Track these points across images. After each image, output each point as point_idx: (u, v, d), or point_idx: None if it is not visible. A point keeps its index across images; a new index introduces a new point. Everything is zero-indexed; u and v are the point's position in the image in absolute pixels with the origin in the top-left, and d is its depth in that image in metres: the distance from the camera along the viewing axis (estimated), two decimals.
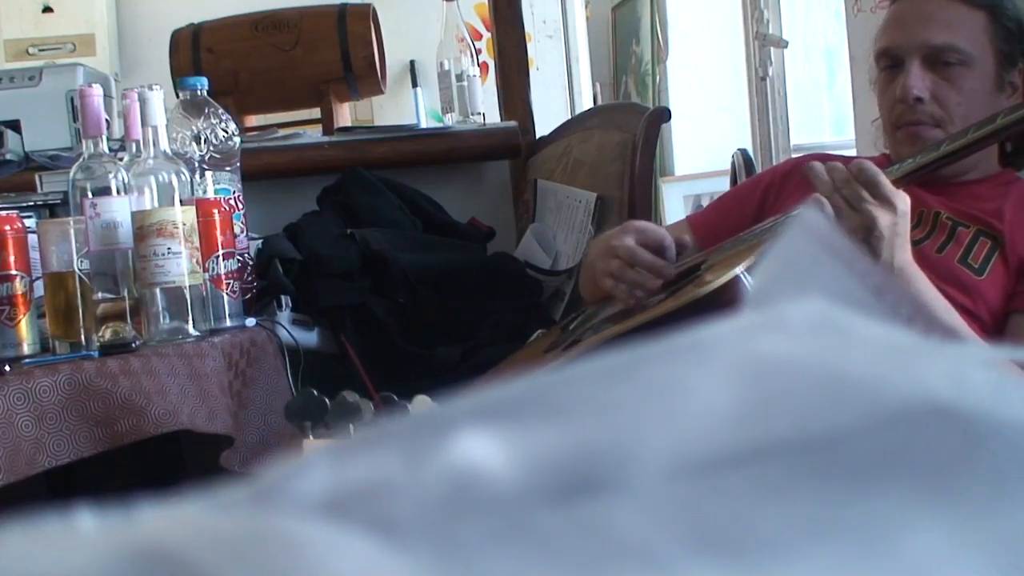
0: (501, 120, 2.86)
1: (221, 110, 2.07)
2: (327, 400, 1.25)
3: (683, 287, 1.51)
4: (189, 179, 1.87)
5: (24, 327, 1.74)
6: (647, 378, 0.37)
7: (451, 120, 2.85)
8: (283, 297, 2.17)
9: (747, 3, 3.66)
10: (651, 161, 2.28)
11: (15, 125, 2.53)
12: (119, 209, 1.74)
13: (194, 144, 2.01)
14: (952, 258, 1.58)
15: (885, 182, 1.37)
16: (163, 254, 1.72)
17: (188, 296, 1.74)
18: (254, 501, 0.34)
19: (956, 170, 1.65)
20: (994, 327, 1.55)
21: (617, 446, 0.35)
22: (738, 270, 1.38)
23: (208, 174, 2.02)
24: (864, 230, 1.35)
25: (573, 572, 0.32)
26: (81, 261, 1.75)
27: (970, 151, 1.49)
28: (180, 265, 1.74)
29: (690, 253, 1.64)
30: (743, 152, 2.96)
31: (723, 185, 3.29)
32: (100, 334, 1.70)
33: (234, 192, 2.06)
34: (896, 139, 1.64)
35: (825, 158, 1.87)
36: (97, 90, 1.79)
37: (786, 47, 3.54)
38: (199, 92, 2.07)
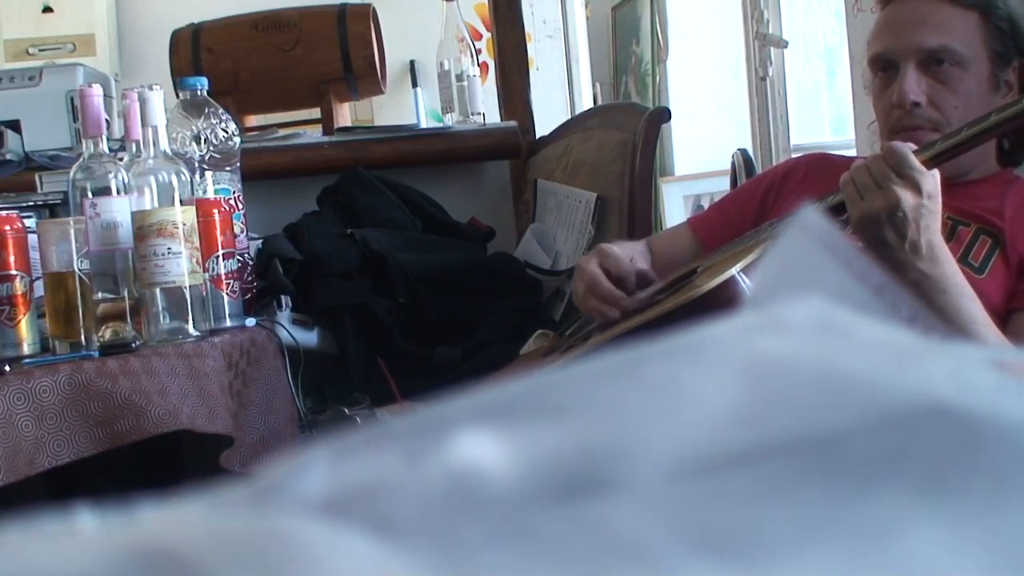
0: (501, 120, 2.86)
1: (221, 110, 2.07)
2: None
3: (679, 289, 1.51)
4: (189, 179, 1.87)
5: (24, 327, 1.74)
6: (647, 378, 0.37)
7: (451, 120, 2.85)
8: (283, 297, 2.17)
9: (747, 3, 3.66)
10: (651, 161, 2.28)
11: (15, 125, 2.53)
12: (119, 209, 1.74)
13: (194, 144, 2.02)
14: (952, 257, 1.58)
15: (913, 162, 1.37)
16: (163, 254, 1.72)
17: (188, 296, 1.74)
18: (254, 501, 0.34)
19: (956, 170, 1.64)
20: (995, 325, 1.55)
21: (617, 446, 0.35)
22: (734, 271, 1.38)
23: (208, 174, 2.02)
24: (888, 209, 1.35)
25: (573, 572, 0.32)
26: (81, 261, 1.75)
27: (963, 149, 1.49)
28: (180, 265, 1.74)
29: (653, 282, 1.64)
30: (743, 152, 2.96)
31: (723, 185, 3.29)
32: (100, 334, 1.70)
33: (234, 192, 2.06)
34: None
35: (826, 158, 1.87)
36: (97, 90, 1.79)
37: (786, 47, 3.54)
38: (199, 92, 2.07)
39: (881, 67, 1.65)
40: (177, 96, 2.16)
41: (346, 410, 1.95)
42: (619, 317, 1.56)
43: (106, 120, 1.81)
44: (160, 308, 1.73)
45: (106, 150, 1.79)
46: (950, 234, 1.60)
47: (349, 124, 3.22)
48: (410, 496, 0.33)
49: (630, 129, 2.31)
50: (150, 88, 1.82)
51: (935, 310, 1.38)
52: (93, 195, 1.74)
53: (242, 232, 2.06)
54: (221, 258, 1.89)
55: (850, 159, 1.87)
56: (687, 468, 0.35)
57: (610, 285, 1.58)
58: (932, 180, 1.38)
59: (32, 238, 1.80)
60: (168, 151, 1.84)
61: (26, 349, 1.73)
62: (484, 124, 2.82)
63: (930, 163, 1.43)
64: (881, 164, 1.38)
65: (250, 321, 1.96)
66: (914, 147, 1.42)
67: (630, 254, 1.66)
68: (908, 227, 1.36)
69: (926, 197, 1.37)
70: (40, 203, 2.13)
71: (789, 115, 3.58)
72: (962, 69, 1.59)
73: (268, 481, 0.34)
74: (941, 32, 1.59)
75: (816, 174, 1.77)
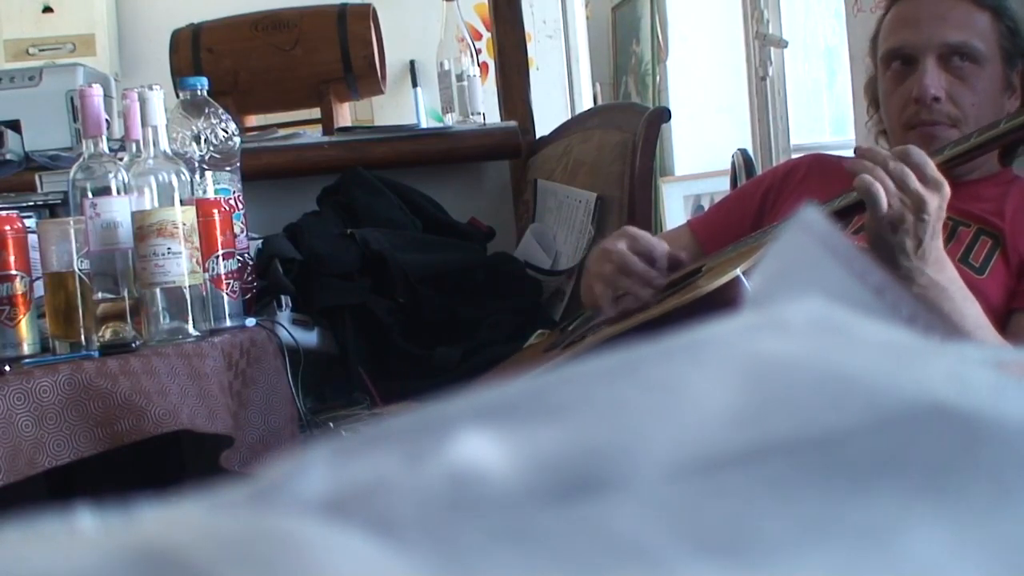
0: (501, 120, 2.86)
1: (221, 110, 2.07)
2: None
3: (682, 289, 1.51)
4: (189, 179, 1.87)
5: (24, 327, 1.74)
6: (647, 378, 0.37)
7: (451, 120, 2.85)
8: (283, 297, 2.17)
9: (747, 3, 3.66)
10: (651, 161, 2.28)
11: (15, 125, 2.53)
12: (119, 209, 1.74)
13: (194, 144, 2.01)
14: (953, 257, 1.57)
15: (932, 165, 1.35)
16: (163, 254, 1.72)
17: (188, 296, 1.74)
18: (254, 501, 0.34)
19: (958, 171, 1.64)
20: (995, 326, 1.55)
21: (617, 446, 0.35)
22: (737, 271, 1.38)
23: (208, 174, 2.02)
24: (915, 212, 1.34)
25: (573, 572, 0.32)
26: (81, 261, 1.75)
27: (972, 156, 1.49)
28: (180, 265, 1.74)
29: (685, 266, 1.62)
30: (743, 152, 2.96)
31: (723, 185, 3.29)
32: (100, 334, 1.70)
33: (234, 192, 2.06)
34: (907, 140, 1.62)
35: (823, 158, 1.87)
36: (97, 90, 1.79)
37: (786, 47, 3.54)
38: (199, 92, 2.07)
39: (898, 62, 1.64)
40: (177, 96, 2.16)
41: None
42: (649, 297, 1.52)
43: (106, 120, 1.81)
44: (160, 308, 1.73)
45: (106, 150, 1.79)
46: (951, 234, 1.60)
47: (349, 124, 3.22)
48: (410, 496, 0.33)
49: (630, 129, 2.31)
50: (150, 88, 1.82)
51: (942, 315, 1.37)
52: (93, 195, 1.74)
53: (242, 232, 2.06)
54: (221, 258, 1.89)
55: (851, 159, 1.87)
56: (687, 468, 0.35)
57: (643, 264, 1.53)
58: (946, 185, 1.37)
59: (32, 238, 1.80)
60: (168, 151, 1.84)
61: (26, 349, 1.73)
62: (484, 124, 2.82)
63: (941, 167, 1.43)
64: (902, 167, 1.35)
65: (250, 321, 1.96)
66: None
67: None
68: (927, 231, 1.34)
69: (944, 200, 1.36)
70: (40, 203, 2.13)
71: (789, 115, 3.58)
72: (979, 66, 1.59)
73: (268, 481, 0.34)
74: (962, 28, 1.59)
75: (816, 174, 1.76)
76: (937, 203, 1.35)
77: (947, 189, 1.36)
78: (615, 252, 1.54)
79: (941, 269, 1.39)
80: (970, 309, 1.42)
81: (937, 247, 1.38)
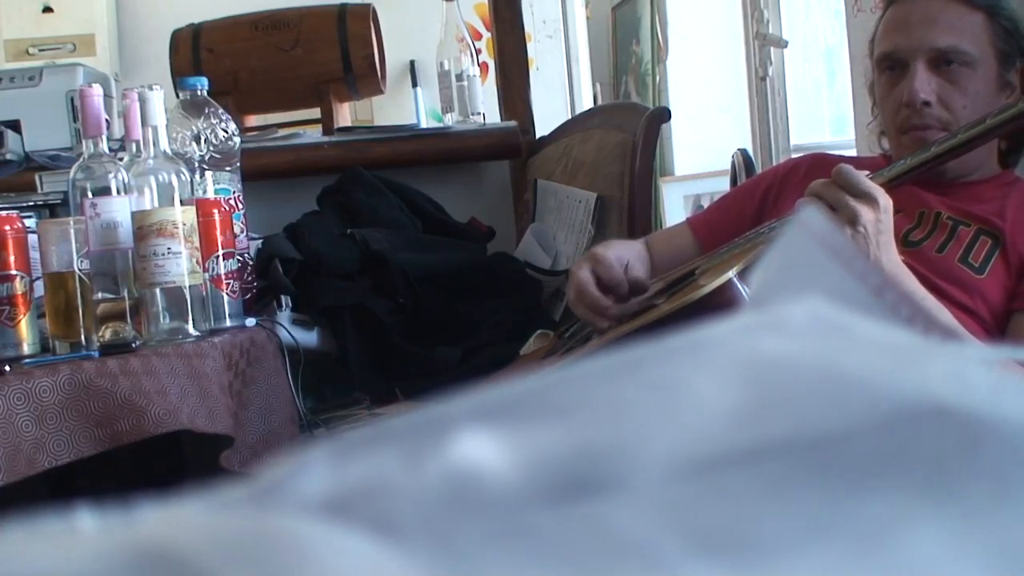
0: (501, 120, 2.86)
1: (221, 110, 2.07)
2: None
3: (677, 292, 1.51)
4: (189, 179, 1.87)
5: (24, 327, 1.74)
6: (647, 378, 0.37)
7: (451, 120, 2.85)
8: (283, 297, 2.17)
9: (747, 3, 3.66)
10: (651, 161, 2.28)
11: (15, 125, 2.53)
12: (119, 209, 1.74)
13: (194, 144, 2.01)
14: (952, 257, 1.58)
15: (865, 180, 1.38)
16: (163, 254, 1.72)
17: (188, 296, 1.74)
18: (254, 501, 0.34)
19: (958, 171, 1.64)
20: (995, 326, 1.55)
21: (617, 446, 0.35)
22: (731, 274, 1.38)
23: (208, 174, 2.02)
24: (849, 223, 1.36)
25: (573, 572, 0.32)
26: (81, 261, 1.75)
27: (960, 152, 1.49)
28: (180, 265, 1.74)
29: (646, 288, 1.62)
30: (743, 152, 2.96)
31: (723, 185, 3.29)
32: (100, 334, 1.70)
33: (234, 192, 2.06)
34: (902, 143, 1.63)
35: (823, 157, 1.87)
36: (97, 90, 1.79)
37: (786, 47, 3.54)
38: (199, 92, 2.07)
39: (889, 66, 1.64)
40: (177, 96, 2.16)
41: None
42: (606, 327, 1.56)
43: (106, 120, 1.81)
44: (160, 308, 1.73)
45: (106, 150, 1.79)
46: (950, 234, 1.60)
47: (349, 124, 3.22)
48: (410, 496, 0.33)
49: (630, 129, 2.31)
50: (150, 88, 1.82)
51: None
52: (93, 195, 1.74)
53: (242, 232, 2.06)
54: (221, 258, 1.89)
55: (851, 159, 1.88)
56: (687, 468, 0.35)
57: (597, 294, 1.57)
58: (886, 197, 1.38)
59: (32, 238, 1.80)
60: (168, 151, 1.84)
61: (26, 349, 1.73)
62: (484, 124, 2.82)
63: (927, 166, 1.44)
64: (833, 187, 1.38)
65: (250, 321, 1.96)
66: (868, 173, 1.43)
67: (627, 257, 1.65)
68: (869, 244, 1.36)
69: (883, 212, 1.37)
70: (40, 203, 2.13)
71: (789, 115, 3.58)
72: (971, 69, 1.59)
73: (268, 481, 0.34)
74: (951, 32, 1.59)
75: (817, 174, 1.76)
76: (871, 216, 1.36)
77: (885, 201, 1.37)
78: (576, 277, 1.58)
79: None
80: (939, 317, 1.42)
81: (890, 260, 1.39)
